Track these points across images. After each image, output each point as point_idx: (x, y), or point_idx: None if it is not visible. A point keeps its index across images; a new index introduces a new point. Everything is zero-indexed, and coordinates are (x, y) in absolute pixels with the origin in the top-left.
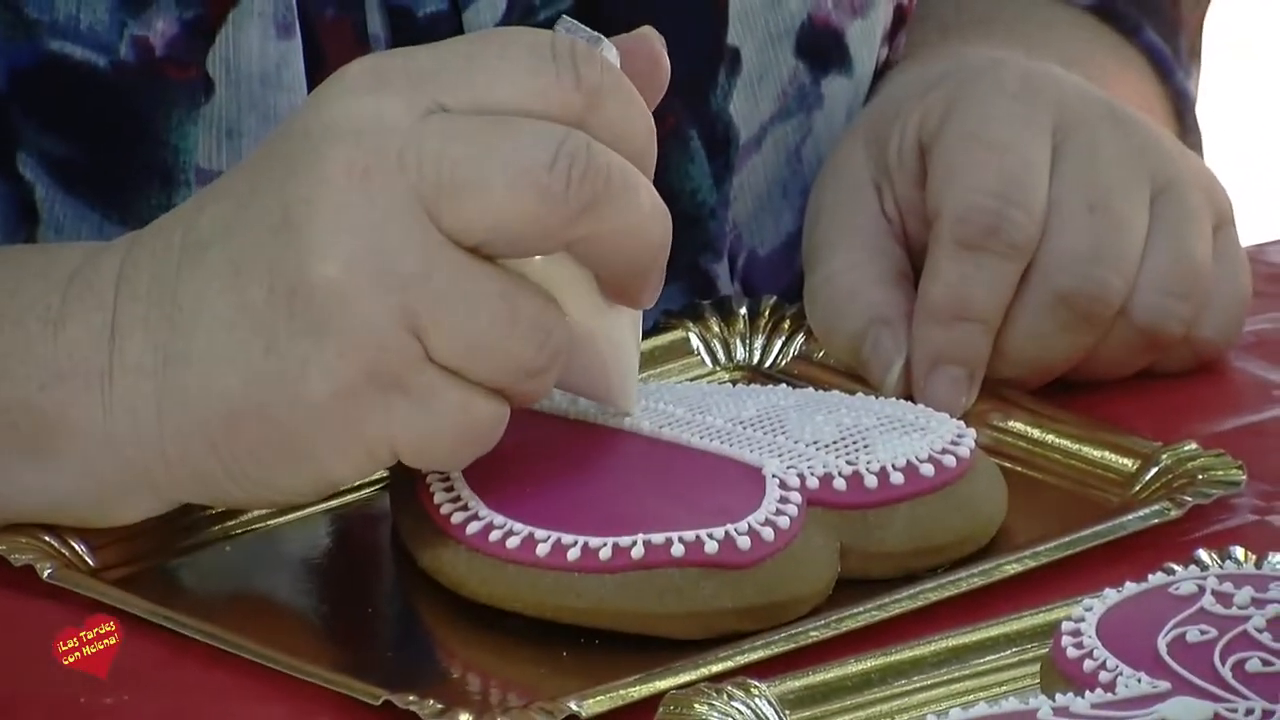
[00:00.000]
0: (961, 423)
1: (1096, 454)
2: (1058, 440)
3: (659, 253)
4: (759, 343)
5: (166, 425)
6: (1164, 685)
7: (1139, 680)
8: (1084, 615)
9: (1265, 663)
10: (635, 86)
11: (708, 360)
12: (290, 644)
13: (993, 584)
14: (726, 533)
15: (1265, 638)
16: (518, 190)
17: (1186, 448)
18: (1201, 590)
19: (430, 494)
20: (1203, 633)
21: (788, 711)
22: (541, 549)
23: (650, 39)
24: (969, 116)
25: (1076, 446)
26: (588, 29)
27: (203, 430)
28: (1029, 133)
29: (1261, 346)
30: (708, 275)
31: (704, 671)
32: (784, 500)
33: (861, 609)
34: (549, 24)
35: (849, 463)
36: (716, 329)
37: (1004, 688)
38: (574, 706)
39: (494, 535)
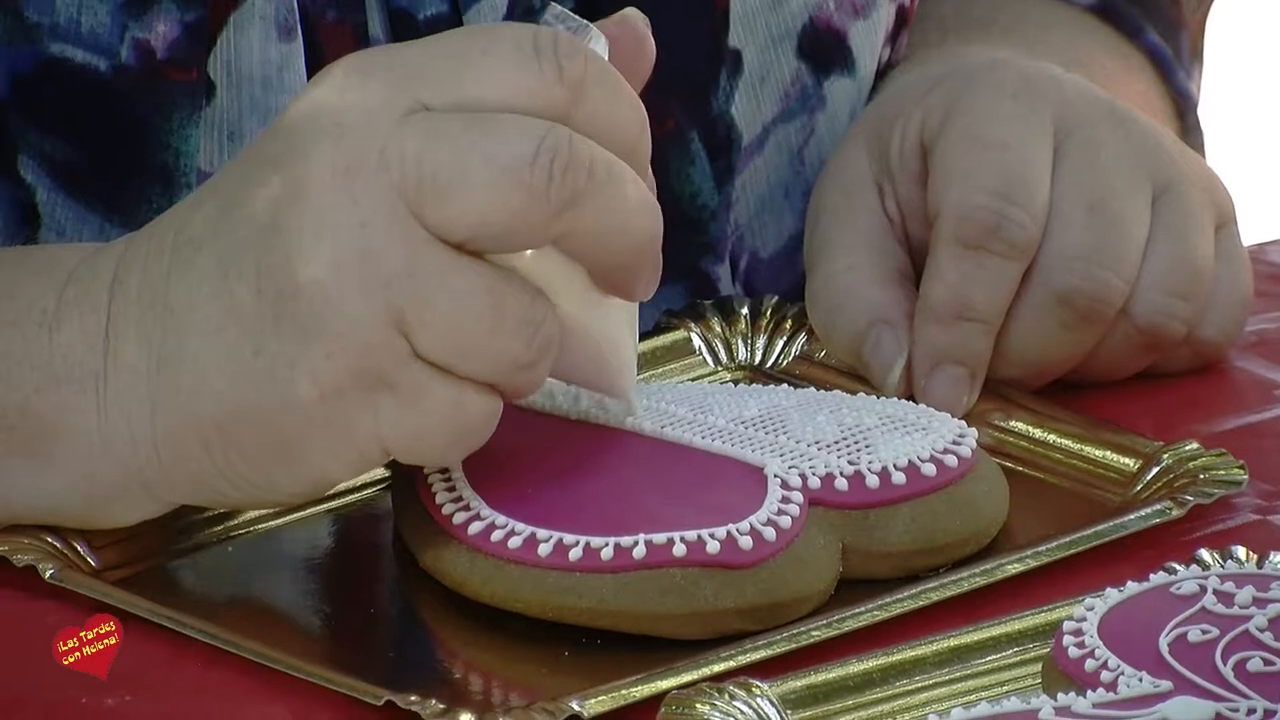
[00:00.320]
0: (963, 422)
1: (1098, 453)
2: (1059, 440)
3: (648, 246)
4: (761, 342)
5: (160, 427)
6: (1165, 685)
7: (1140, 680)
8: (1085, 615)
9: (1267, 662)
10: (622, 72)
11: (709, 360)
12: (292, 644)
13: (994, 583)
14: (728, 532)
15: (1267, 637)
16: (500, 187)
17: (1188, 447)
18: (1203, 590)
19: (432, 494)
20: (1204, 632)
21: (789, 711)
22: (543, 549)
23: (634, 21)
24: (970, 116)
25: (1078, 446)
26: (576, 17)
27: (195, 432)
28: (1030, 132)
29: (1263, 346)
30: (709, 277)
31: (706, 671)
32: (786, 500)
33: (863, 609)
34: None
35: (851, 462)
36: (718, 329)
37: (1006, 687)
38: (576, 706)
39: (496, 535)
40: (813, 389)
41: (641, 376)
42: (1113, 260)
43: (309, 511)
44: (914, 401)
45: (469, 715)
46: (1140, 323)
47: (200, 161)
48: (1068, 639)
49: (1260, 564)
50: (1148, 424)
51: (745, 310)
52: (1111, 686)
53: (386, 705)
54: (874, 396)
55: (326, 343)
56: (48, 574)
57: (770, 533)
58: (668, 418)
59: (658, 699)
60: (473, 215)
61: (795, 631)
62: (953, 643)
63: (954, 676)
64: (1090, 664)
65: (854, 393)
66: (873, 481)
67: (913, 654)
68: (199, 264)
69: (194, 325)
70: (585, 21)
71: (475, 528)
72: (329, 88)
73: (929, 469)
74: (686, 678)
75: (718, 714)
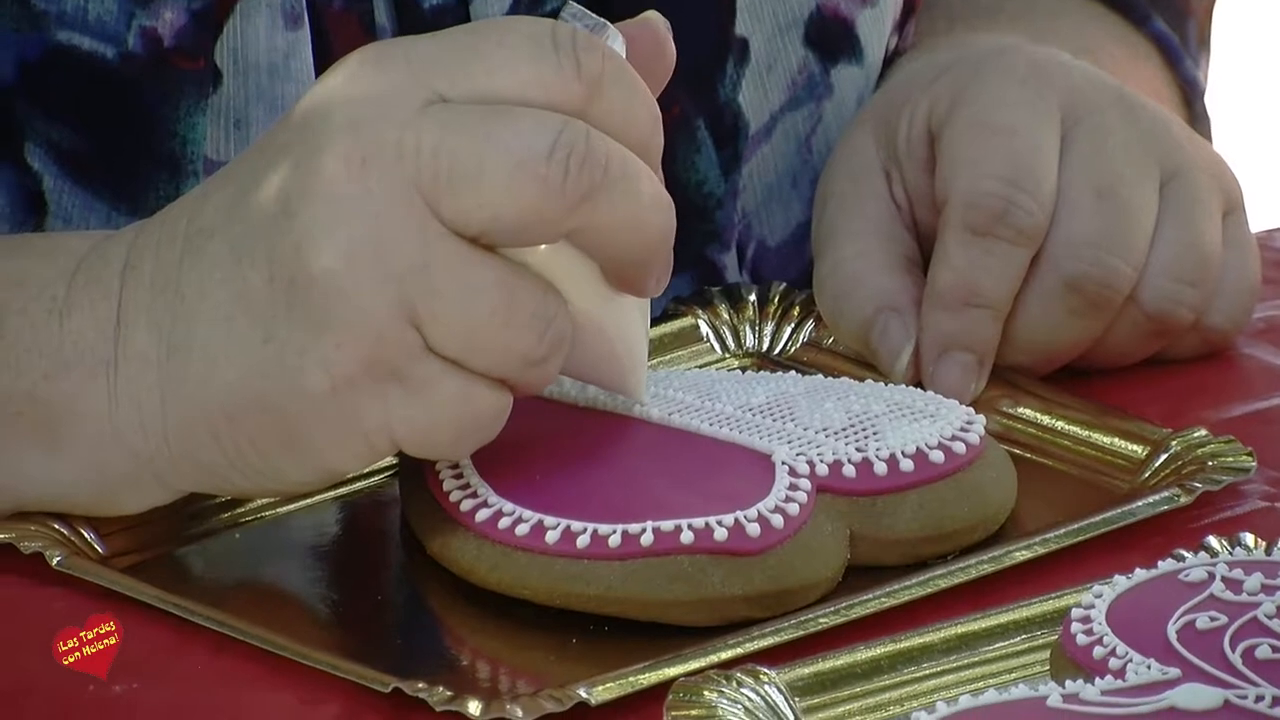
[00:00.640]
0: (971, 409)
1: (1106, 440)
2: (1067, 427)
3: (660, 242)
4: (768, 329)
5: (170, 415)
6: (1174, 672)
7: (1149, 667)
8: (1094, 602)
9: (1275, 649)
10: (640, 73)
11: (717, 347)
12: (299, 631)
13: (1002, 570)
14: (736, 520)
15: (1275, 624)
16: (516, 180)
17: (1196, 434)
18: (1211, 577)
19: (439, 481)
20: (1213, 619)
21: (797, 698)
22: (551, 536)
23: (655, 24)
24: (978, 103)
25: (1086, 433)
26: (593, 15)
27: (205, 420)
28: (1038, 118)
29: (1271, 333)
30: (715, 266)
31: (713, 658)
32: (793, 487)
33: (871, 596)
34: (556, 14)
35: (858, 449)
36: (726, 316)
37: (1014, 674)
38: (583, 694)
39: (503, 522)
40: (820, 376)
41: (649, 364)
42: (1121, 247)
43: (316, 499)
44: (922, 388)
45: (476, 702)
46: (1148, 309)
47: (207, 149)
48: (1076, 626)
49: (1269, 551)
50: (1156, 411)
51: (753, 297)
52: (1120, 674)
53: (394, 692)
54: (882, 383)
55: (338, 333)
56: (55, 561)
57: (778, 520)
58: (675, 405)
59: (665, 686)
60: (488, 208)
61: (803, 619)
62: (961, 630)
63: (962, 664)
64: (1098, 651)
65: (862, 379)
66: (880, 469)
67: (921, 641)
68: (211, 251)
69: (205, 313)
70: (603, 20)
71: (483, 515)
72: (345, 78)
73: (937, 456)
74: (694, 665)
75: (725, 701)
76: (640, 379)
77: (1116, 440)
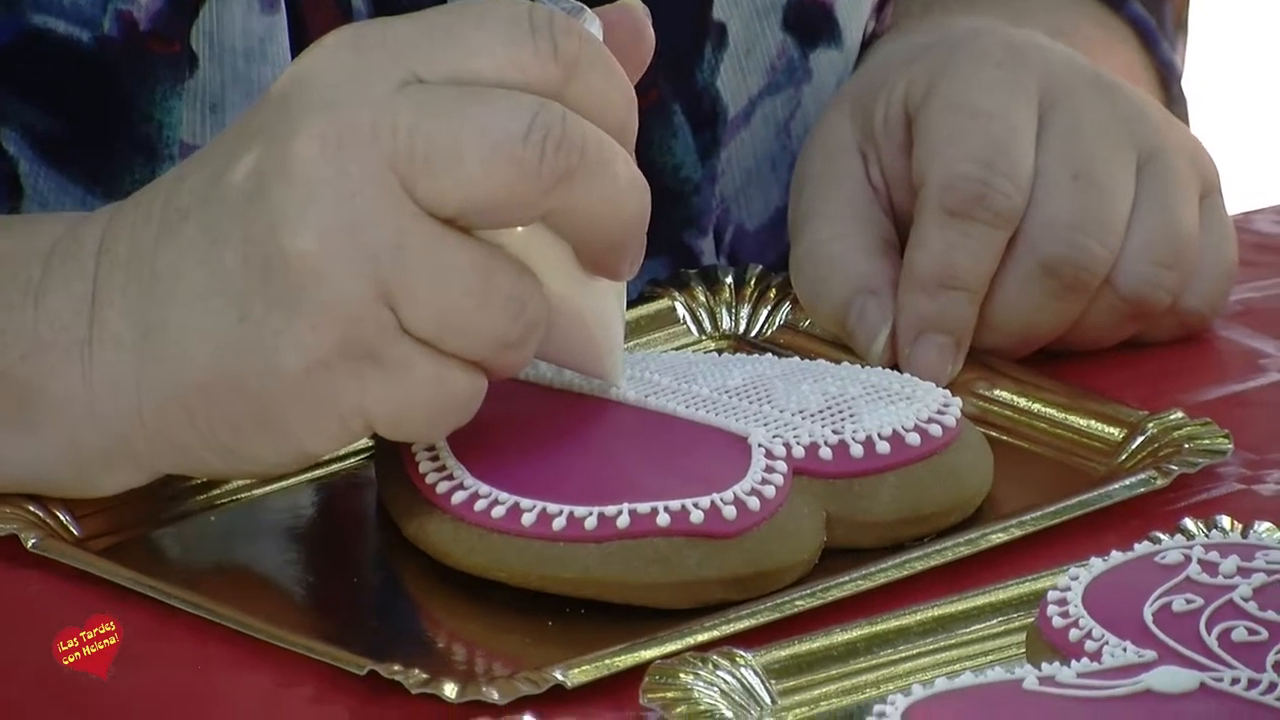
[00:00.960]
0: (947, 392)
1: (1083, 423)
2: (1044, 409)
3: (635, 226)
4: (745, 312)
5: (145, 396)
6: (1150, 654)
7: (1125, 649)
8: (1070, 584)
9: (1251, 631)
10: (618, 58)
11: (694, 329)
12: (275, 613)
13: (979, 553)
14: (712, 502)
15: (1251, 607)
16: (492, 162)
17: (1173, 416)
18: (1187, 559)
19: (415, 463)
20: (1189, 602)
21: (773, 681)
22: (527, 518)
23: (634, 10)
24: (954, 85)
25: (1063, 415)
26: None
27: (180, 401)
28: (1014, 101)
29: (1248, 315)
30: (692, 251)
31: (689, 641)
32: (770, 469)
33: (847, 578)
34: None
35: (835, 432)
36: (702, 298)
37: (990, 657)
38: (559, 676)
39: (479, 505)
40: (797, 358)
41: (626, 346)
42: (1097, 229)
43: (292, 481)
44: (898, 370)
45: (452, 685)
46: (1125, 292)
47: (183, 133)
48: (1052, 608)
49: (1244, 533)
50: (1132, 393)
51: (730, 279)
52: (1096, 656)
53: (369, 675)
54: (858, 366)
55: (312, 314)
56: (30, 543)
57: (754, 502)
58: (652, 387)
59: (641, 669)
60: (464, 189)
61: (779, 601)
62: (937, 612)
63: (938, 646)
64: (1074, 634)
65: (838, 362)
66: (857, 451)
67: (897, 624)
68: (186, 232)
69: (180, 293)
70: (580, 4)
71: (459, 497)
72: (321, 59)
73: (913, 438)
74: (670, 647)
75: (701, 684)
76: (616, 363)
77: (1093, 423)
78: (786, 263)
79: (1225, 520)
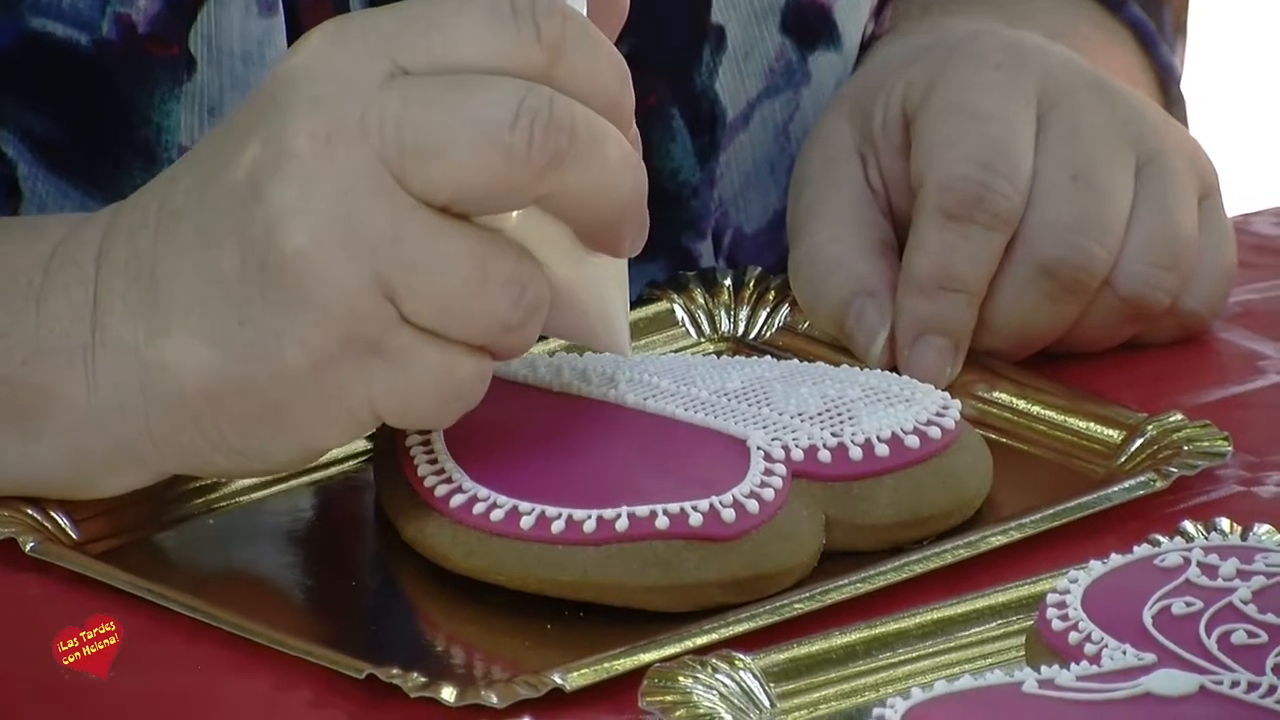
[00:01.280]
0: (946, 394)
1: (1082, 425)
2: (1043, 411)
3: (631, 204)
4: (743, 314)
5: (150, 399)
6: (1149, 657)
7: (1124, 652)
8: (1069, 587)
9: (1251, 635)
10: (598, 24)
11: (692, 332)
12: (273, 617)
13: (978, 556)
14: (711, 505)
15: (1251, 609)
16: (480, 149)
17: (1172, 419)
18: (1187, 562)
19: (414, 466)
20: (1188, 605)
21: (772, 684)
22: (525, 521)
23: None
24: (953, 87)
25: (1062, 418)
26: None
27: (185, 404)
28: (1013, 102)
29: (1247, 317)
30: (691, 254)
31: (688, 644)
32: (768, 472)
33: (846, 581)
34: None
35: (834, 434)
36: (701, 300)
37: (989, 660)
38: (558, 679)
39: (478, 508)
40: (796, 361)
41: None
42: (1096, 231)
43: (290, 484)
44: (897, 373)
45: (450, 688)
46: (1124, 293)
47: (182, 137)
48: (1051, 611)
49: (1244, 536)
50: (1132, 395)
51: (728, 282)
52: (1095, 659)
53: (368, 678)
54: (857, 368)
55: (313, 312)
56: (28, 547)
57: (753, 505)
58: (650, 390)
59: (640, 672)
60: (455, 178)
61: (778, 604)
62: (936, 615)
63: (937, 649)
64: (1074, 636)
65: (837, 364)
66: (856, 453)
67: (896, 627)
68: (182, 235)
69: (179, 297)
70: None
71: (457, 500)
72: (306, 56)
73: (912, 441)
74: (669, 650)
75: (700, 687)
76: (623, 335)
77: (1092, 425)
78: (785, 265)
79: (1225, 523)
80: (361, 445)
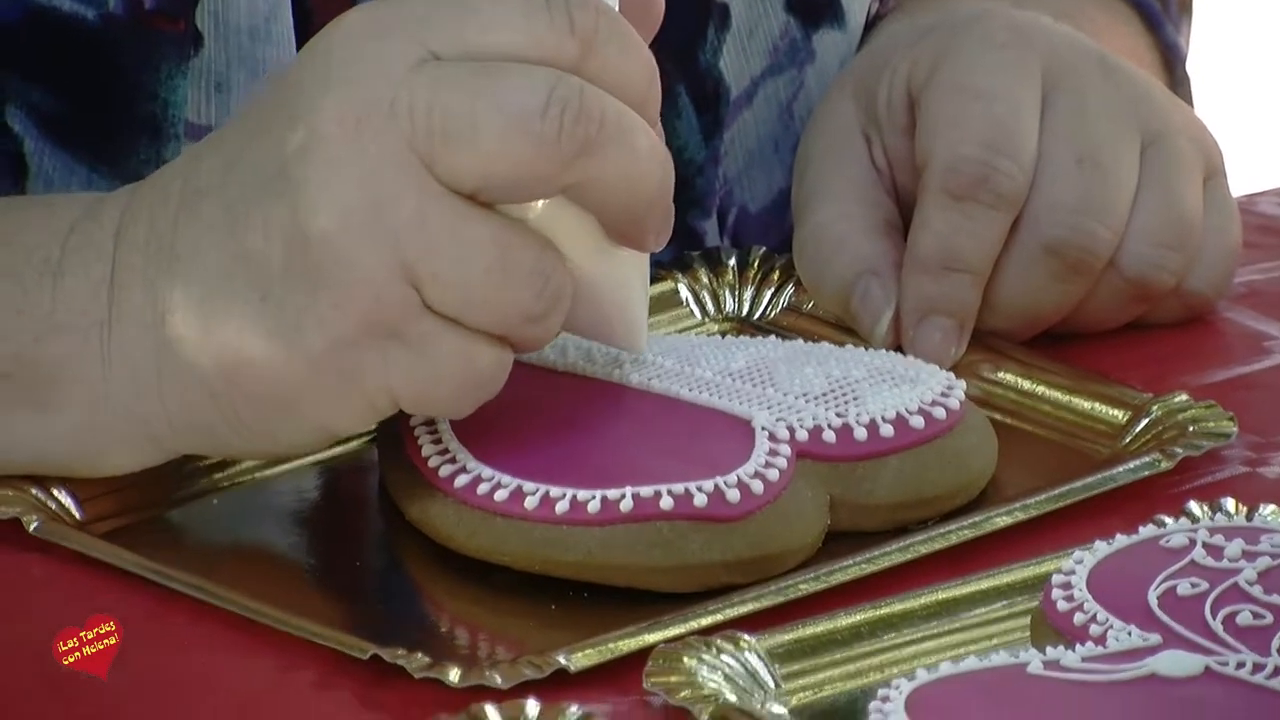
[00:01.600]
0: (951, 374)
1: (1087, 405)
2: (1048, 392)
3: (658, 197)
4: (748, 294)
5: (165, 377)
6: (1155, 638)
7: (1130, 633)
8: (1074, 568)
9: (1256, 615)
10: (630, 23)
11: (696, 312)
12: (278, 597)
13: (983, 537)
14: (715, 485)
15: (1256, 590)
16: (510, 137)
17: (1177, 399)
18: (1192, 543)
19: (418, 446)
20: (1194, 585)
21: (777, 665)
22: (530, 502)
23: None
24: (958, 66)
25: (1067, 398)
26: None
27: (201, 381)
28: (1018, 82)
29: (1252, 297)
30: (695, 232)
31: (693, 625)
32: (773, 453)
33: (851, 562)
34: None
35: (838, 415)
36: (705, 280)
37: (994, 641)
38: (562, 660)
39: (482, 488)
40: (800, 341)
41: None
42: (1101, 211)
43: (295, 464)
44: (902, 353)
45: (455, 669)
46: (1129, 274)
47: (188, 113)
48: (1056, 592)
49: (1249, 516)
50: (1137, 376)
51: (733, 261)
52: (1100, 640)
53: (372, 659)
54: (862, 348)
55: (335, 293)
56: (32, 527)
57: (758, 486)
58: (655, 370)
59: (645, 652)
60: (483, 165)
61: (783, 585)
62: (941, 596)
63: (942, 630)
64: (1079, 617)
65: (842, 344)
66: (860, 434)
67: (901, 607)
68: (206, 212)
69: (200, 273)
70: None
71: (461, 480)
72: (337, 39)
73: (917, 421)
74: (673, 631)
75: (705, 667)
76: (641, 333)
77: (1097, 405)
78: (790, 244)
79: (1230, 503)
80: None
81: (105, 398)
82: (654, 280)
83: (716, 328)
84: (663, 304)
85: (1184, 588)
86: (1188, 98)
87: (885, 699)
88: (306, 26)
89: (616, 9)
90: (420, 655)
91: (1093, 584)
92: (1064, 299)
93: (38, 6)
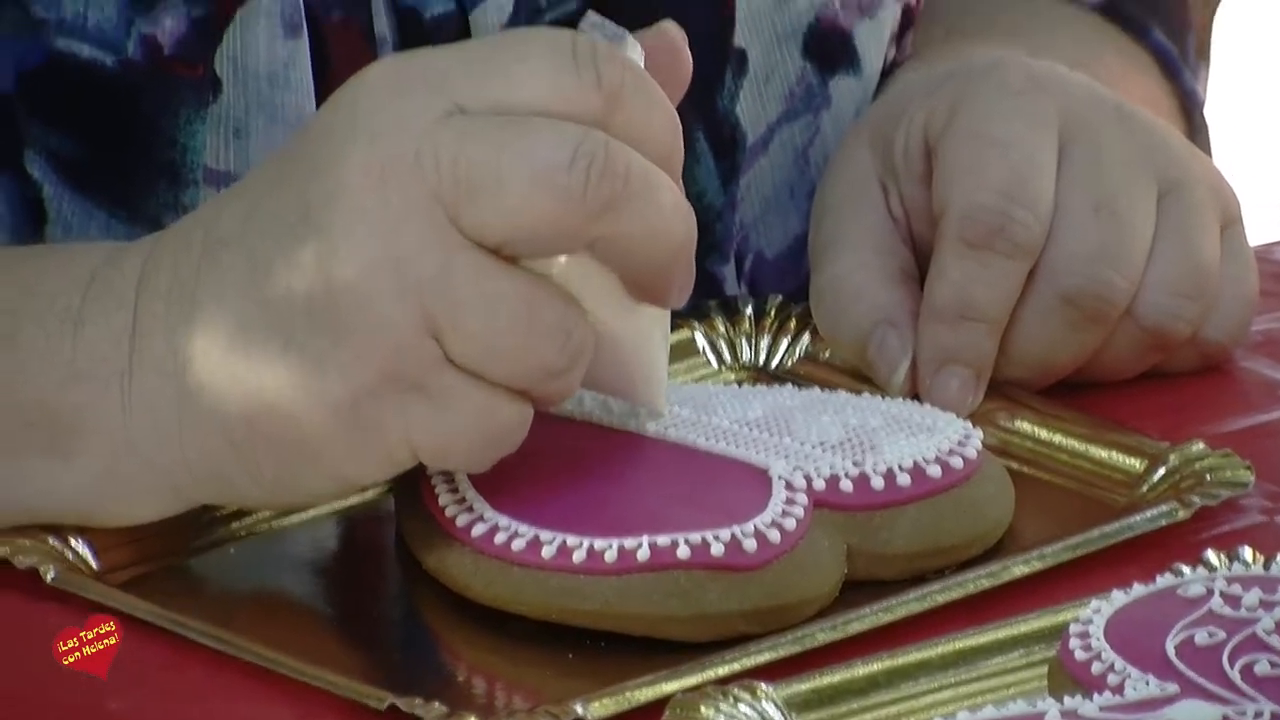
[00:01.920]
0: (968, 423)
1: (1104, 454)
2: (1065, 441)
3: (681, 252)
4: (765, 343)
5: (186, 425)
6: (1172, 688)
7: (1147, 683)
8: (1092, 617)
9: (1274, 665)
10: (658, 80)
11: (713, 361)
12: (295, 646)
13: (1000, 586)
14: (732, 534)
15: (1274, 640)
16: (536, 191)
17: (1194, 448)
18: (1210, 592)
19: (435, 496)
20: (1211, 635)
21: (794, 714)
22: (547, 551)
23: (671, 33)
24: (975, 115)
25: (1083, 447)
26: (612, 25)
27: (222, 430)
28: (1035, 131)
29: (1269, 346)
30: (714, 278)
31: (710, 674)
32: (790, 502)
33: (868, 611)
34: (557, 24)
35: (855, 464)
36: (722, 329)
37: (1011, 690)
38: (580, 710)
39: (499, 537)
40: (817, 389)
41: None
42: (1118, 260)
43: (312, 514)
44: (919, 402)
45: (472, 719)
46: (1145, 323)
47: (207, 158)
48: (1074, 641)
49: (1267, 566)
50: (1153, 425)
51: (749, 310)
52: (1118, 689)
53: (389, 709)
54: (879, 397)
55: (357, 344)
56: (49, 576)
57: (775, 535)
58: (671, 419)
59: (662, 702)
60: (508, 219)
61: (800, 634)
62: (958, 645)
63: (960, 679)
64: (1097, 667)
65: (858, 393)
66: (878, 483)
67: (918, 656)
68: (228, 261)
69: (222, 322)
70: (622, 29)
71: (478, 530)
72: (364, 90)
73: (934, 470)
74: (691, 680)
75: (722, 717)
76: (661, 391)
77: (1114, 454)
78: (806, 290)
79: (1247, 552)
80: None
81: (126, 447)
82: (671, 329)
83: (733, 376)
84: (680, 353)
85: (1201, 637)
86: (1205, 145)
87: None
88: (325, 73)
89: (642, 65)
90: (438, 705)
91: (1110, 633)
92: (1081, 348)
93: (57, 53)
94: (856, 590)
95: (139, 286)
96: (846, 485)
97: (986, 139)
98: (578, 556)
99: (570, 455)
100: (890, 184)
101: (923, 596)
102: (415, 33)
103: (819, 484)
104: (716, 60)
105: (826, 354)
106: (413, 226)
